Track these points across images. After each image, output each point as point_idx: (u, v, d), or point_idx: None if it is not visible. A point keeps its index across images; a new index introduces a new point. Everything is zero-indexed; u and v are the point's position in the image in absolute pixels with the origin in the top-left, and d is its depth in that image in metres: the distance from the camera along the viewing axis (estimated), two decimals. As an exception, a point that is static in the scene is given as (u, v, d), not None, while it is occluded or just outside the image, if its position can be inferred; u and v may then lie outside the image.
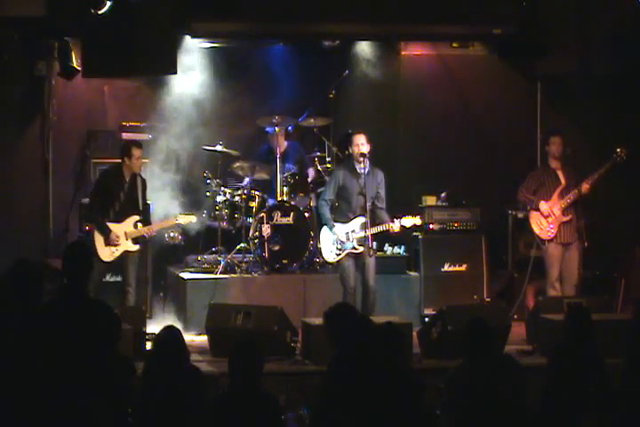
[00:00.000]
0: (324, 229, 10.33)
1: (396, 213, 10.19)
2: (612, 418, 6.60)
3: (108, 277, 10.93)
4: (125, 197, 10.45)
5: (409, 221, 10.08)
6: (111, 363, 6.11)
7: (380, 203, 10.27)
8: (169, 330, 6.40)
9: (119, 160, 10.57)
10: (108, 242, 10.29)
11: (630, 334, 7.45)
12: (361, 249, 10.10)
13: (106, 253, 10.30)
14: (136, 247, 10.44)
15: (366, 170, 10.12)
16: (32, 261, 6.49)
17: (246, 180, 11.78)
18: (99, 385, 6.01)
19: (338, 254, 10.21)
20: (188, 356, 6.38)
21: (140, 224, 10.46)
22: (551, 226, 10.72)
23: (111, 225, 10.32)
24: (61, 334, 6.04)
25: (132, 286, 10.40)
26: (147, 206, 10.76)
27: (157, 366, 6.16)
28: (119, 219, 10.40)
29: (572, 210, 10.75)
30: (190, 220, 10.80)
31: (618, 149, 10.58)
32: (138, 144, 10.53)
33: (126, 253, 10.37)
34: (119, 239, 10.30)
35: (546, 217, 10.74)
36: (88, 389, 5.96)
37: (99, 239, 10.29)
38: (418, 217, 10.15)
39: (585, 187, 10.63)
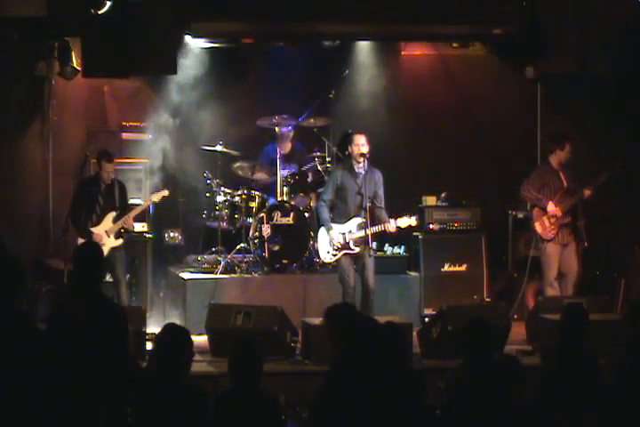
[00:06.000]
0: (322, 230, 10.33)
1: (394, 213, 10.19)
2: (612, 418, 6.60)
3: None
4: (104, 201, 10.53)
5: (404, 221, 10.03)
6: (119, 363, 6.13)
7: (379, 202, 10.26)
8: (174, 332, 6.24)
9: (118, 160, 10.58)
10: None
11: (623, 335, 7.36)
12: (357, 249, 10.09)
13: None
14: (120, 242, 10.55)
15: (364, 170, 10.13)
16: (15, 258, 6.39)
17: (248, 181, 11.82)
18: (102, 385, 6.02)
19: (334, 255, 10.21)
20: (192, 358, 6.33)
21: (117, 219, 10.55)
22: (553, 226, 10.75)
23: (93, 229, 10.44)
24: (74, 334, 6.07)
25: (123, 283, 10.50)
26: (126, 206, 10.75)
27: (159, 366, 6.12)
28: (100, 221, 10.49)
29: (572, 212, 10.77)
30: (162, 194, 10.80)
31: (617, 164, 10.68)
32: (109, 158, 10.52)
33: (112, 250, 10.42)
34: (102, 239, 10.34)
35: (550, 218, 10.75)
36: (91, 389, 5.98)
37: None
38: (413, 218, 10.10)
39: (587, 193, 10.66)
